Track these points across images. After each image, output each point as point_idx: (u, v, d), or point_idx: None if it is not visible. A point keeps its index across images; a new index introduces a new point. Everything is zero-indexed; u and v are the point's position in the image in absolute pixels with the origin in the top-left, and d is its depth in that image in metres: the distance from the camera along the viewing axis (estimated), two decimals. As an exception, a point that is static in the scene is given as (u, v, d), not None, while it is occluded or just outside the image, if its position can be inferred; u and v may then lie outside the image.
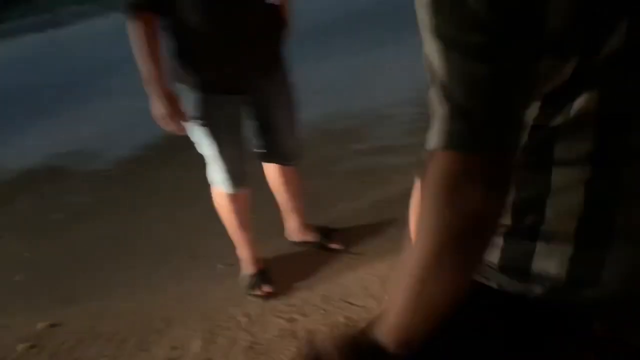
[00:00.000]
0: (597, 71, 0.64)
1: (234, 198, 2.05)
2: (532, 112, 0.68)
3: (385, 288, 1.99)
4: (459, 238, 0.64)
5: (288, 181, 2.20)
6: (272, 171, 2.20)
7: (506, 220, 0.76)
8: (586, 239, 0.72)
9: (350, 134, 3.01)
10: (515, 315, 0.81)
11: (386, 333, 0.69)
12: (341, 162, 2.81)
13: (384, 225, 2.29)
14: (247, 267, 2.19)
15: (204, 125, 1.88)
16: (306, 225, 2.31)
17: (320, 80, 3.38)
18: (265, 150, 2.10)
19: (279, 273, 2.19)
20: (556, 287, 0.77)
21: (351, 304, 1.99)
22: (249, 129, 2.05)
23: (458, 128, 0.62)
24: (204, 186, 2.10)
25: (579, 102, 0.65)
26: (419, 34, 0.63)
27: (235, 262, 2.23)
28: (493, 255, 0.80)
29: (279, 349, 1.89)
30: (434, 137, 0.64)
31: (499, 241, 0.79)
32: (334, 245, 2.28)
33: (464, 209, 0.63)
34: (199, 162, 2.05)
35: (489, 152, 0.63)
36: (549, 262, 0.75)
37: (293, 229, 2.32)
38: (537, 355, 0.80)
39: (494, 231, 0.68)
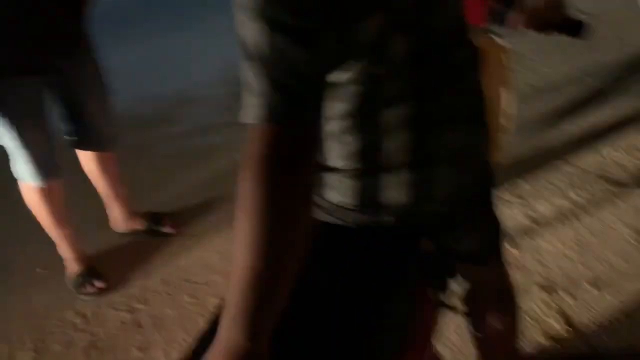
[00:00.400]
0: (402, 21, 0.75)
1: (45, 191, 1.87)
2: (353, 68, 0.76)
3: (226, 261, 2.01)
4: (283, 202, 0.65)
5: (106, 168, 2.08)
6: (87, 159, 2.05)
7: (355, 164, 0.86)
8: (417, 165, 0.86)
9: (164, 117, 2.92)
10: (367, 245, 0.92)
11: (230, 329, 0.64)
12: (159, 146, 2.73)
13: (213, 203, 2.30)
14: (72, 266, 2.03)
15: (-1, 112, 1.68)
16: (132, 213, 2.21)
17: (128, 64, 3.20)
18: (77, 137, 1.95)
19: (110, 266, 2.07)
20: (401, 212, 0.90)
21: (194, 282, 1.98)
22: (57, 114, 1.88)
23: (277, 103, 0.66)
24: (12, 183, 1.87)
25: (391, 50, 0.76)
26: (226, 13, 0.66)
27: (57, 262, 2.04)
28: (348, 197, 0.90)
29: (125, 341, 1.81)
30: (253, 111, 0.66)
31: (351, 183, 0.89)
32: (165, 230, 2.22)
33: (284, 176, 0.66)
34: (2, 157, 1.82)
35: (305, 122, 0.68)
36: (393, 191, 0.88)
37: (118, 218, 2.20)
38: (379, 277, 0.90)
39: (311, 189, 0.71)
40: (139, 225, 2.21)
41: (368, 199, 0.89)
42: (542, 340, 1.64)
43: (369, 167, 0.86)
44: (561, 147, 2.35)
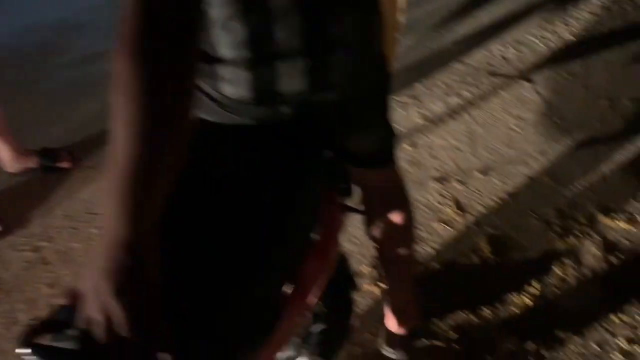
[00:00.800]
0: None
1: None
2: None
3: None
4: (164, 83, 0.62)
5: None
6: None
7: (246, 53, 0.83)
8: (313, 51, 0.85)
9: (48, 47, 2.72)
10: (268, 145, 0.91)
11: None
12: (45, 80, 2.55)
13: (110, 133, 2.21)
14: (-38, 213, 1.92)
15: None
16: (23, 152, 2.09)
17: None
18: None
19: (5, 209, 1.98)
20: (298, 102, 0.90)
21: (98, 213, 1.94)
22: None
23: (153, 14, 0.61)
24: None
25: None
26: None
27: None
28: (243, 90, 0.87)
29: (33, 280, 1.77)
30: (128, 23, 0.62)
31: (245, 74, 0.86)
32: (62, 165, 2.13)
33: (164, 54, 0.62)
34: None
35: (181, 28, 0.64)
36: (291, 80, 0.86)
37: (8, 158, 2.08)
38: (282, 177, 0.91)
39: (193, 70, 0.67)
40: (32, 163, 2.10)
41: (264, 90, 0.87)
42: (436, 225, 1.77)
43: (261, 55, 0.84)
44: (453, 47, 2.43)
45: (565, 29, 2.45)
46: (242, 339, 0.78)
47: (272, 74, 0.86)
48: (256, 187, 0.86)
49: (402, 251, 1.28)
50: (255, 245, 0.80)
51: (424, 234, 1.74)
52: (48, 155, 2.13)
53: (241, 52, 0.83)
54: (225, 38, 0.82)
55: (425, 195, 1.86)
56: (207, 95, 0.90)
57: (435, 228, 1.76)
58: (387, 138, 1.11)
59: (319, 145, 0.99)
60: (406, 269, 1.33)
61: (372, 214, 1.24)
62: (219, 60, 0.85)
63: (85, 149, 2.19)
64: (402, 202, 1.24)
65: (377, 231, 1.24)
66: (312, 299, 0.95)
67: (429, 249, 1.71)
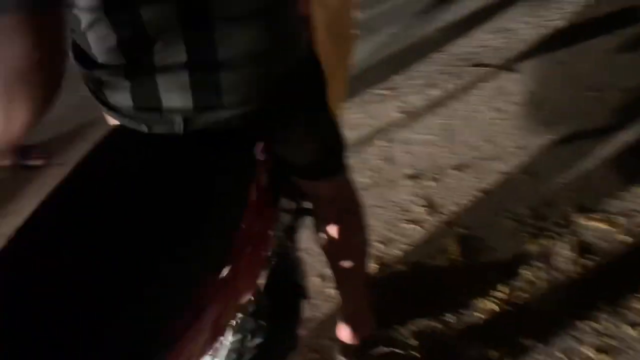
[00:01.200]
0: None
1: None
2: None
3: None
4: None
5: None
6: None
7: (119, 60, 0.79)
8: (197, 65, 0.79)
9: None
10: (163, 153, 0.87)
11: None
12: None
13: (84, 129, 2.19)
14: None
15: None
16: (-4, 149, 2.08)
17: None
18: None
19: (-23, 207, 1.97)
20: (189, 117, 0.85)
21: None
22: None
23: None
24: None
25: None
26: None
27: None
28: (126, 98, 0.83)
29: None
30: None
31: (125, 83, 0.81)
32: (34, 162, 2.10)
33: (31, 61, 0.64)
34: None
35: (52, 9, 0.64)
36: (173, 94, 0.81)
37: (-19, 156, 2.07)
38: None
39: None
40: (4, 160, 2.09)
41: (147, 100, 0.82)
42: (405, 226, 1.71)
43: (136, 65, 0.79)
44: (436, 36, 2.35)
45: (556, 13, 2.35)
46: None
47: (153, 84, 0.80)
48: (164, 196, 0.81)
49: (350, 263, 1.23)
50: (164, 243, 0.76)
51: (392, 235, 1.69)
52: (20, 152, 2.11)
53: (114, 59, 0.78)
54: (94, 41, 0.77)
55: (397, 194, 1.80)
56: (103, 102, 0.85)
57: (404, 228, 1.71)
58: (326, 150, 1.06)
59: (244, 146, 0.94)
60: (357, 279, 1.28)
61: (320, 223, 1.19)
62: (97, 66, 0.80)
63: (59, 145, 2.16)
64: (351, 213, 1.19)
65: (324, 241, 1.20)
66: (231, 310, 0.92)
67: (396, 251, 1.65)
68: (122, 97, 0.84)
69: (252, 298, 1.03)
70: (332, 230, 1.17)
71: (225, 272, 0.85)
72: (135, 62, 0.79)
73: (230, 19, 0.79)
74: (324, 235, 1.19)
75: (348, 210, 1.18)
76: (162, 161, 0.86)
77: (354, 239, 1.22)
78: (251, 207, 0.94)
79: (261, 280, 1.06)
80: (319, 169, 1.09)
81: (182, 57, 0.79)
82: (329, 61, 1.38)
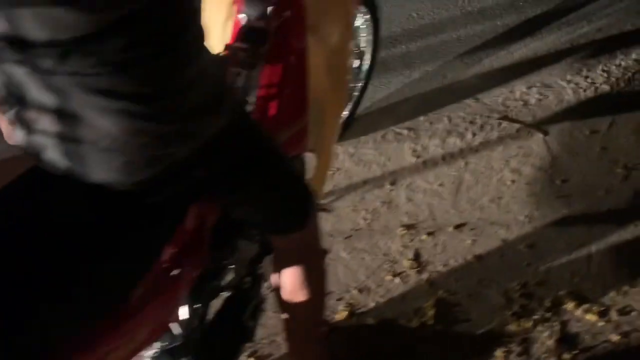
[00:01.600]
0: None
1: None
2: None
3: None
4: None
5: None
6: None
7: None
8: (64, 131, 0.74)
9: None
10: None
11: None
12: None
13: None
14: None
15: None
16: None
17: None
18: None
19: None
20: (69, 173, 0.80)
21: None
22: None
23: None
24: None
25: None
26: None
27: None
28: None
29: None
30: None
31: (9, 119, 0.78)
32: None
33: None
34: None
35: None
36: (48, 151, 0.77)
37: None
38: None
39: None
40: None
41: (31, 150, 0.79)
42: (388, 277, 1.66)
43: (19, 117, 0.76)
44: (473, 81, 2.26)
45: (601, 76, 2.21)
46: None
47: (34, 140, 0.76)
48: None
49: (302, 313, 1.20)
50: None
51: (370, 284, 1.64)
52: None
53: None
54: None
55: (388, 243, 1.75)
56: None
57: (384, 280, 1.66)
58: (283, 210, 1.05)
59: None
60: (307, 333, 1.25)
61: (276, 265, 1.17)
62: None
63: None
64: (308, 265, 1.16)
65: (277, 285, 1.18)
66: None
67: (371, 302, 1.61)
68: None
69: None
70: (285, 277, 1.15)
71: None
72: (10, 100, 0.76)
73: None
74: (277, 279, 1.17)
75: (305, 261, 1.15)
76: (70, 199, 0.84)
77: (307, 290, 1.19)
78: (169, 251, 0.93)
79: (183, 316, 1.04)
80: (274, 228, 1.08)
81: (47, 118, 0.74)
82: (326, 97, 1.36)
